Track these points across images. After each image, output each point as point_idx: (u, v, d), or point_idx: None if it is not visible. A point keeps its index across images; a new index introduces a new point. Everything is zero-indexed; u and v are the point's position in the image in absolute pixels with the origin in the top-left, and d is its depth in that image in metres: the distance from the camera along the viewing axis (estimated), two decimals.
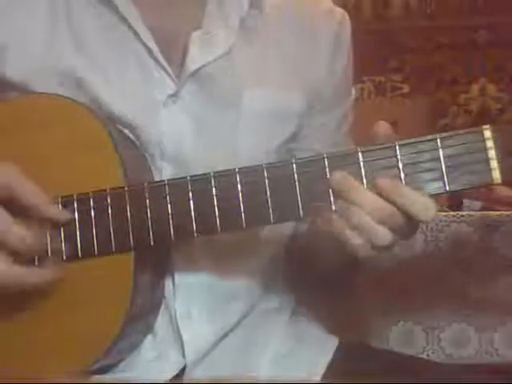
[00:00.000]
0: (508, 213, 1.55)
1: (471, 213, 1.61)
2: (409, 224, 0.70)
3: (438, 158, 0.70)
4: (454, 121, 3.07)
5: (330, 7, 0.97)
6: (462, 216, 1.56)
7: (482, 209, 1.76)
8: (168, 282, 0.86)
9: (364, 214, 0.69)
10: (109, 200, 0.77)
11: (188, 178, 0.76)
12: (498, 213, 1.58)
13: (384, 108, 3.09)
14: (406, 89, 3.24)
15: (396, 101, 3.21)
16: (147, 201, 0.76)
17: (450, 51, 3.23)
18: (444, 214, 1.59)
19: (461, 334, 1.54)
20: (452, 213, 1.59)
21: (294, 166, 0.73)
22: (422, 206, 0.68)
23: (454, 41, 3.23)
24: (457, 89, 3.21)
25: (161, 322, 0.87)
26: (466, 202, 1.82)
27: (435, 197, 0.70)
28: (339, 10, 0.97)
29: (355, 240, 0.70)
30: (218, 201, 0.74)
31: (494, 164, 0.68)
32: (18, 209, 0.76)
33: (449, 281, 1.53)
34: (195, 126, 0.86)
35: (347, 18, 0.97)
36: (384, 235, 0.70)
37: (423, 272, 1.53)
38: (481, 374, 0.95)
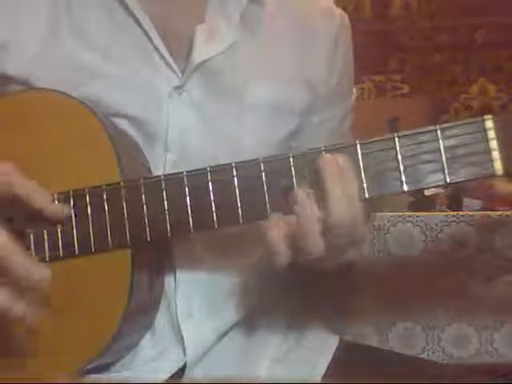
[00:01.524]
0: (508, 213, 1.55)
1: (471, 213, 1.61)
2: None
3: (438, 150, 0.68)
4: (456, 119, 3.07)
5: (330, 6, 0.97)
6: (462, 216, 1.56)
7: (482, 209, 1.76)
8: (169, 280, 0.86)
9: (316, 223, 0.69)
10: (105, 196, 0.77)
11: (184, 172, 0.75)
12: (498, 213, 1.58)
13: (384, 108, 3.09)
14: (405, 89, 3.25)
15: (396, 101, 3.21)
16: (143, 196, 0.76)
17: (450, 51, 3.23)
18: (444, 214, 1.59)
19: (461, 334, 1.54)
20: (452, 213, 1.59)
21: (291, 159, 0.72)
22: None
23: (454, 41, 3.23)
24: (456, 89, 3.22)
25: (161, 319, 0.86)
26: (465, 201, 1.82)
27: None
28: (338, 10, 0.97)
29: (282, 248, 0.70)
30: (214, 196, 0.74)
31: (496, 155, 0.67)
32: (18, 207, 0.76)
33: (449, 281, 1.53)
34: (200, 118, 0.87)
35: (346, 17, 0.98)
36: (320, 247, 0.69)
37: (423, 272, 1.53)
38: (481, 373, 0.94)
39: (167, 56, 0.86)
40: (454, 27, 3.23)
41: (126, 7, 0.86)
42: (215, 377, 0.86)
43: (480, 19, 3.20)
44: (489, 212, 1.62)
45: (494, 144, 0.67)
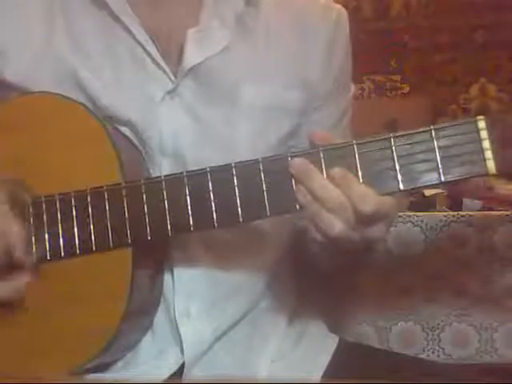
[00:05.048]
0: (508, 213, 1.55)
1: (471, 213, 1.61)
2: (360, 217, 0.71)
3: (433, 149, 0.70)
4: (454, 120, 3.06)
5: (327, 4, 0.97)
6: (462, 216, 1.56)
7: (482, 209, 1.76)
8: (167, 279, 0.86)
9: (315, 203, 0.71)
10: (106, 196, 0.78)
11: (184, 173, 0.76)
12: (498, 213, 1.58)
13: (384, 108, 3.08)
14: (405, 89, 3.25)
15: (396, 101, 3.21)
16: (144, 196, 0.77)
17: (450, 51, 3.23)
18: (444, 213, 1.59)
19: (461, 334, 1.54)
20: (452, 213, 1.59)
21: (290, 158, 0.73)
22: (360, 197, 0.70)
23: (454, 41, 3.22)
24: (456, 89, 3.21)
25: (160, 319, 0.87)
26: (465, 201, 1.82)
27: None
28: (336, 7, 0.97)
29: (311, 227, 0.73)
30: (214, 195, 0.75)
31: (489, 154, 0.69)
32: None
33: (449, 281, 1.53)
34: (193, 121, 0.87)
35: (344, 14, 0.97)
36: (332, 223, 0.70)
37: (423, 272, 1.53)
38: (481, 374, 0.94)
39: (159, 60, 0.86)
40: (454, 27, 3.22)
41: (115, 14, 0.86)
42: (215, 377, 0.86)
43: (480, 19, 3.19)
44: (489, 212, 1.61)
45: (486, 144, 0.69)
